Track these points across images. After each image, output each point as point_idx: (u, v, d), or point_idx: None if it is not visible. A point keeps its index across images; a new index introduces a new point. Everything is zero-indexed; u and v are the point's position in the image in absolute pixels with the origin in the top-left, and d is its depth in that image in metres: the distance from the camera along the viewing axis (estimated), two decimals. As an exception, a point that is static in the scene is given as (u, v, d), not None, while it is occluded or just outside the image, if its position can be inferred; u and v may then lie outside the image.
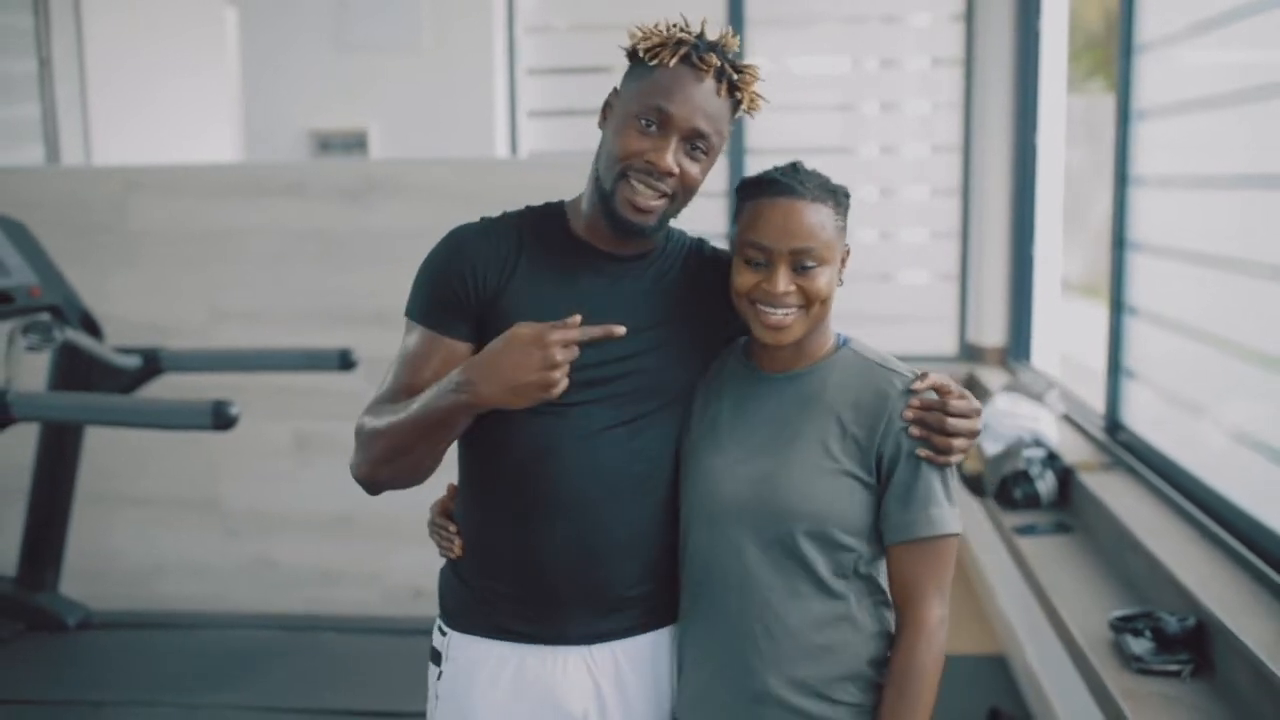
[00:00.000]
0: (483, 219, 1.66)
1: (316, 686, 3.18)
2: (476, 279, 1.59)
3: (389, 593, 3.86)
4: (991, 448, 3.41)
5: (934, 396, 1.54)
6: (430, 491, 1.74)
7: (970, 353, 5.31)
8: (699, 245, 1.72)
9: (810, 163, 1.61)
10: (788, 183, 1.54)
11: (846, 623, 1.57)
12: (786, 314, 1.53)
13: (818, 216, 1.53)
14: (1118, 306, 3.41)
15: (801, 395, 1.59)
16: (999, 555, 3.72)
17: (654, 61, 1.54)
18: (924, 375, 1.56)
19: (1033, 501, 3.25)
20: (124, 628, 3.54)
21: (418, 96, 5.41)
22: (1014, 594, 3.67)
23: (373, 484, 1.63)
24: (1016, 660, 3.70)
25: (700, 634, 1.62)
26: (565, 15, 5.66)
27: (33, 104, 4.51)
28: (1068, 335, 5.00)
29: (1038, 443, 3.35)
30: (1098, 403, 3.63)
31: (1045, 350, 4.88)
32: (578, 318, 1.45)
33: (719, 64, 1.55)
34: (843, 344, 1.63)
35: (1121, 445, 3.34)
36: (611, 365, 1.59)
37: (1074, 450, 3.43)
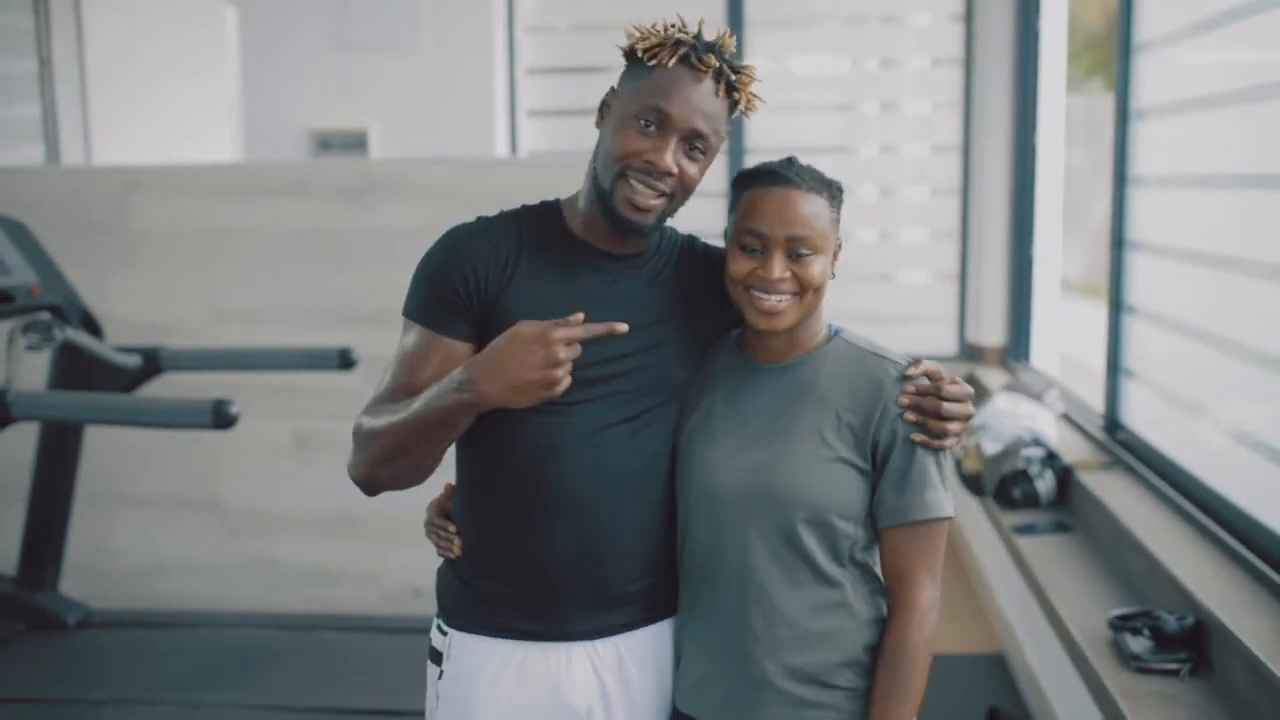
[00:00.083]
0: (479, 219, 1.66)
1: (316, 685, 3.18)
2: (478, 279, 1.59)
3: (388, 592, 3.86)
4: (991, 447, 3.41)
5: (927, 382, 1.57)
6: (428, 491, 1.74)
7: (970, 352, 5.31)
8: (690, 241, 1.73)
9: (810, 163, 1.63)
10: (784, 173, 1.58)
11: (843, 609, 1.59)
12: (781, 300, 1.56)
13: (813, 207, 1.56)
14: (1117, 306, 3.41)
15: (795, 385, 1.61)
16: (998, 554, 3.73)
17: (653, 62, 1.55)
18: (916, 362, 1.59)
19: (1032, 501, 3.26)
20: (124, 627, 3.55)
21: (418, 96, 5.41)
22: (1013, 593, 3.68)
23: (371, 485, 1.62)
24: (1015, 659, 3.70)
25: (700, 624, 1.64)
26: (565, 15, 5.66)
27: (33, 104, 4.52)
28: (1067, 335, 5.00)
29: (1037, 442, 3.35)
30: (1097, 402, 3.64)
31: (1045, 350, 4.89)
32: (580, 315, 1.45)
33: (717, 65, 1.56)
34: (834, 334, 1.66)
35: (1120, 445, 3.35)
36: (612, 364, 1.60)
37: (1073, 450, 3.43)
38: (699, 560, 1.63)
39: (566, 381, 1.45)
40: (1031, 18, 4.88)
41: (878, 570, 1.62)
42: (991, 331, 5.20)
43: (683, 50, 1.54)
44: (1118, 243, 3.39)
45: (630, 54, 1.59)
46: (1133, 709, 2.06)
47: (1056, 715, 3.15)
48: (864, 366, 1.60)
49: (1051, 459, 3.31)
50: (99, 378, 3.30)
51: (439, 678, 1.70)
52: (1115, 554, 2.80)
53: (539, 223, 1.66)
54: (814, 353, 1.63)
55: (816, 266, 1.56)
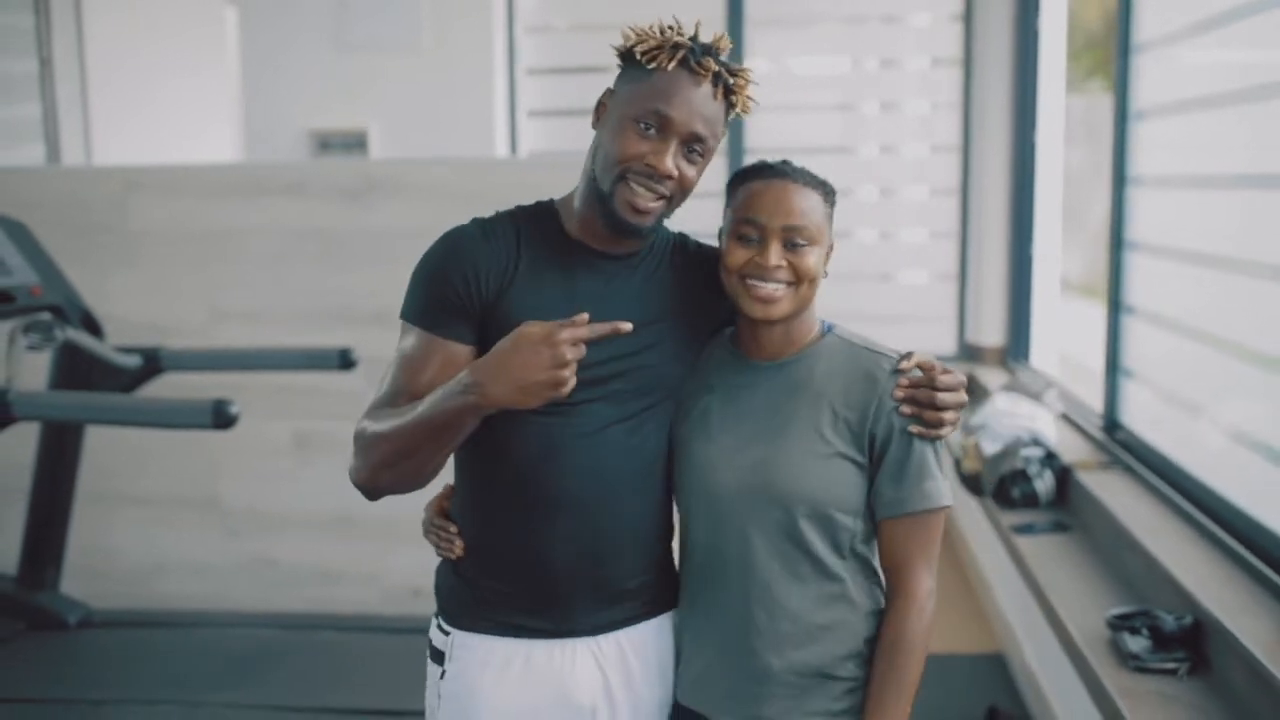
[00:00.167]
0: (474, 220, 1.66)
1: (316, 685, 3.18)
2: (479, 281, 1.59)
3: (388, 592, 3.86)
4: (990, 447, 3.42)
5: (920, 374, 1.59)
6: (428, 491, 1.75)
7: (969, 352, 5.32)
8: (682, 240, 1.74)
9: (810, 162, 1.66)
10: (781, 168, 1.62)
11: (844, 602, 1.62)
12: (776, 288, 1.58)
13: (809, 201, 1.60)
14: (1116, 306, 3.41)
15: (791, 382, 1.63)
16: (997, 554, 3.73)
17: (651, 65, 1.55)
18: (909, 355, 1.61)
19: (1031, 501, 3.26)
20: (124, 626, 3.55)
21: (418, 96, 5.41)
22: (1012, 593, 3.68)
23: (374, 489, 1.62)
24: (1014, 659, 3.70)
25: (702, 621, 1.66)
26: (565, 15, 5.66)
27: (33, 104, 4.52)
28: (1066, 335, 5.00)
29: (1036, 442, 3.35)
30: (1096, 402, 3.64)
31: (1044, 350, 4.89)
32: (585, 315, 1.45)
33: (716, 68, 1.57)
34: (828, 330, 1.68)
35: (1119, 444, 3.35)
36: (611, 364, 1.60)
37: (1072, 449, 3.44)
38: (700, 558, 1.65)
39: (573, 382, 1.45)
40: (1031, 18, 4.88)
41: (876, 562, 1.65)
42: (991, 331, 5.21)
43: (681, 53, 1.55)
44: (1117, 243, 3.39)
45: (627, 56, 1.59)
46: (1131, 708, 2.06)
47: (1055, 715, 3.15)
48: (858, 362, 1.62)
49: (1050, 459, 3.31)
50: (99, 378, 3.30)
51: (441, 677, 1.70)
52: (1114, 554, 2.80)
53: (536, 224, 1.66)
54: (808, 350, 1.65)
55: (812, 257, 1.59)
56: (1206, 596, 2.26)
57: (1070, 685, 2.73)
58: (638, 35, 1.57)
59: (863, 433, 1.59)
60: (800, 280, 1.59)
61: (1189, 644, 2.22)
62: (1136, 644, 2.24)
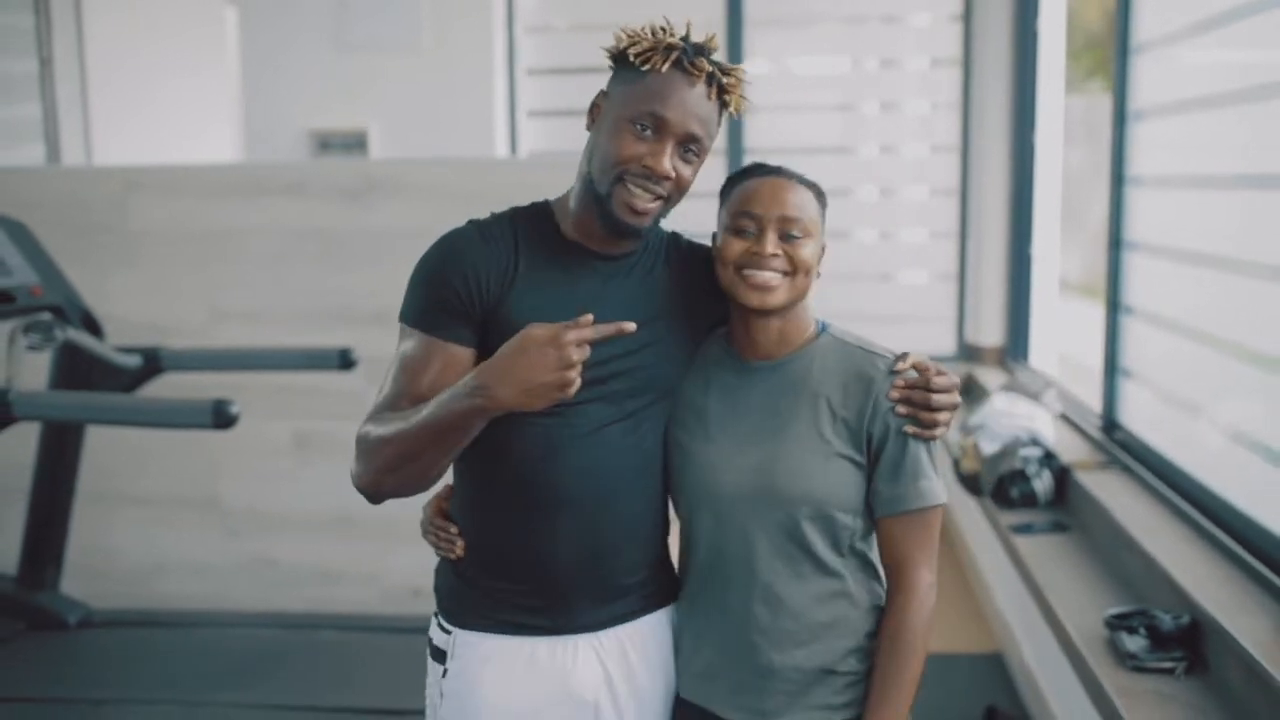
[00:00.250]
0: (471, 222, 1.66)
1: (316, 685, 3.19)
2: (480, 283, 1.60)
3: (388, 592, 3.87)
4: (989, 447, 3.42)
5: (915, 375, 1.60)
6: (427, 492, 1.75)
7: (968, 352, 5.32)
8: (675, 239, 1.75)
9: (810, 162, 1.72)
10: (775, 168, 1.65)
11: (844, 599, 1.64)
12: (772, 276, 1.60)
13: (803, 197, 1.62)
14: (1115, 306, 3.42)
15: (787, 382, 1.64)
16: (996, 554, 3.73)
17: (645, 66, 1.56)
18: (904, 355, 1.63)
19: (1029, 500, 3.26)
20: (124, 626, 3.56)
21: (418, 96, 5.42)
22: (1010, 593, 3.68)
23: (377, 493, 1.62)
24: (1013, 658, 3.71)
25: (704, 619, 1.68)
26: (565, 15, 5.67)
27: (33, 104, 4.52)
28: (1065, 335, 5.01)
29: (1035, 442, 3.36)
30: (1095, 402, 3.64)
31: (1043, 350, 4.89)
32: (589, 316, 1.45)
33: (709, 69, 1.58)
34: (823, 330, 1.69)
35: (1118, 444, 3.35)
36: (610, 364, 1.61)
37: (1071, 449, 3.44)
38: (702, 557, 1.67)
39: (578, 382, 1.45)
40: (1030, 18, 4.88)
41: (874, 558, 1.67)
42: (990, 331, 5.21)
43: (675, 55, 1.55)
44: (1116, 243, 3.40)
45: (620, 57, 1.60)
46: (1129, 708, 2.07)
47: (1054, 714, 3.16)
48: (854, 362, 1.64)
49: (1049, 459, 3.31)
50: (99, 378, 3.30)
51: (443, 675, 1.71)
52: (1112, 553, 2.80)
53: (533, 225, 1.66)
54: (804, 349, 1.66)
55: (807, 249, 1.61)
56: (1204, 596, 2.26)
57: (1068, 685, 2.73)
58: (630, 37, 1.58)
59: (860, 432, 1.60)
60: (796, 270, 1.60)
61: (1186, 644, 2.23)
62: (1134, 643, 2.24)
